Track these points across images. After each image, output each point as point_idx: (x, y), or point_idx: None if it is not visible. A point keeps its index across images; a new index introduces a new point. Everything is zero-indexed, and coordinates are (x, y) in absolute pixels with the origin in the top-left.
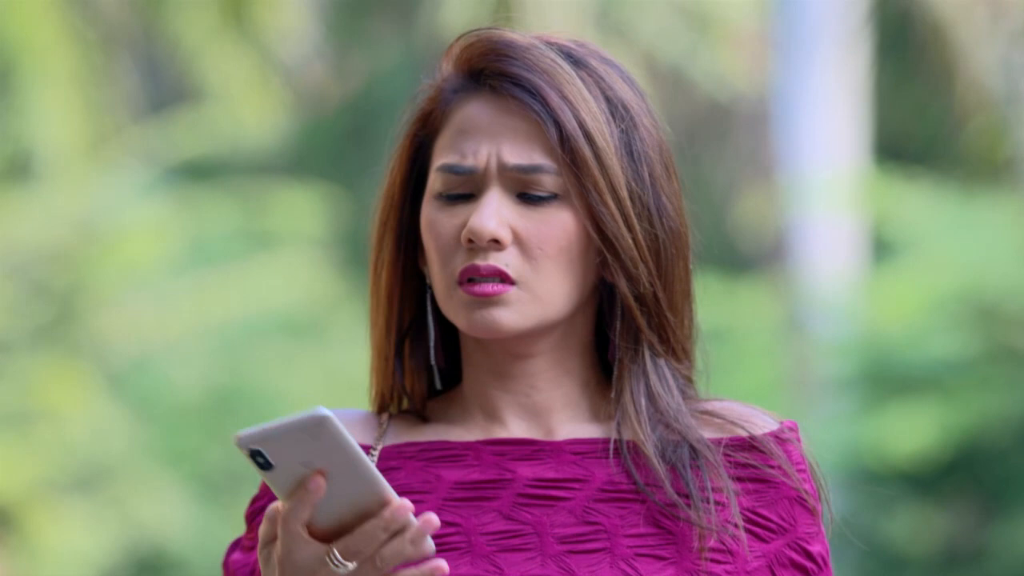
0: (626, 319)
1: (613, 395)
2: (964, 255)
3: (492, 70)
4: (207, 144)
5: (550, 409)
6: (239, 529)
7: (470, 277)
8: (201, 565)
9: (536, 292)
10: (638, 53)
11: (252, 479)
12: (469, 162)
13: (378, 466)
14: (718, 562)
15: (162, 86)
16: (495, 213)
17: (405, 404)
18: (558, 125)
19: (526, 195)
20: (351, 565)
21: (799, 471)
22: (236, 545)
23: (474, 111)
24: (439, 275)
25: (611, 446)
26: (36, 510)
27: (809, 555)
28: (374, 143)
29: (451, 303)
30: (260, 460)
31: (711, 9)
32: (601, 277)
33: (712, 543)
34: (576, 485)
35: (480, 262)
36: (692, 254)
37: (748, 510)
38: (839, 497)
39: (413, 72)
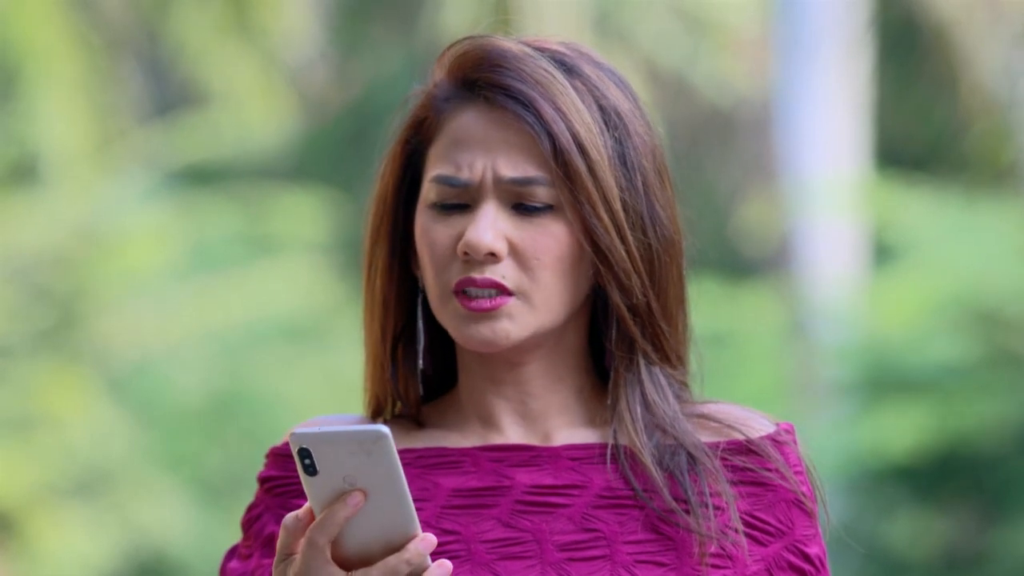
0: (620, 328)
1: (609, 402)
2: (965, 259)
3: (485, 80)
4: (209, 148)
5: (546, 415)
6: (239, 534)
7: (465, 289)
8: (202, 569)
9: (533, 302)
10: (638, 58)
11: (252, 484)
12: (464, 175)
13: None
14: (717, 567)
15: (166, 90)
16: (491, 226)
17: (399, 408)
18: (551, 137)
19: (521, 206)
20: None
21: (796, 473)
22: (233, 553)
23: (468, 122)
24: (434, 284)
25: (608, 452)
26: (37, 515)
27: (807, 557)
28: (376, 148)
29: (446, 313)
30: (307, 462)
31: (712, 13)
32: (595, 285)
33: (712, 548)
34: (575, 492)
35: (476, 275)
36: (686, 259)
37: (746, 514)
38: (840, 501)
39: (415, 77)
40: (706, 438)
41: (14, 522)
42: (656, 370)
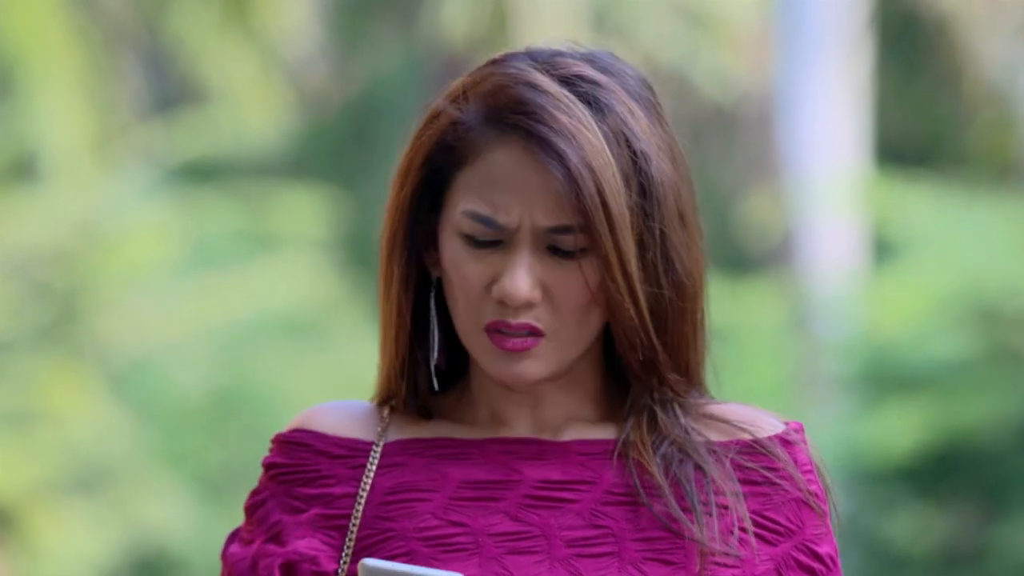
0: (633, 371)
1: (625, 408)
2: (966, 256)
3: (522, 125)
4: (210, 145)
5: (559, 416)
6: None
7: (499, 328)
8: (202, 566)
9: (562, 341)
10: (639, 55)
11: (253, 480)
12: (502, 219)
13: (381, 462)
14: (726, 566)
15: (166, 86)
16: (528, 275)
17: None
18: (579, 196)
19: (555, 248)
20: None
21: (805, 473)
22: (234, 536)
23: (503, 162)
24: (464, 315)
25: (616, 449)
26: (37, 511)
27: (817, 556)
28: (376, 145)
29: (475, 344)
30: None
31: (712, 10)
32: None
33: (720, 547)
34: (583, 487)
35: (512, 319)
36: (706, 292)
37: (755, 513)
38: (841, 497)
39: (415, 74)
40: (714, 438)
41: (14, 518)
42: (669, 396)
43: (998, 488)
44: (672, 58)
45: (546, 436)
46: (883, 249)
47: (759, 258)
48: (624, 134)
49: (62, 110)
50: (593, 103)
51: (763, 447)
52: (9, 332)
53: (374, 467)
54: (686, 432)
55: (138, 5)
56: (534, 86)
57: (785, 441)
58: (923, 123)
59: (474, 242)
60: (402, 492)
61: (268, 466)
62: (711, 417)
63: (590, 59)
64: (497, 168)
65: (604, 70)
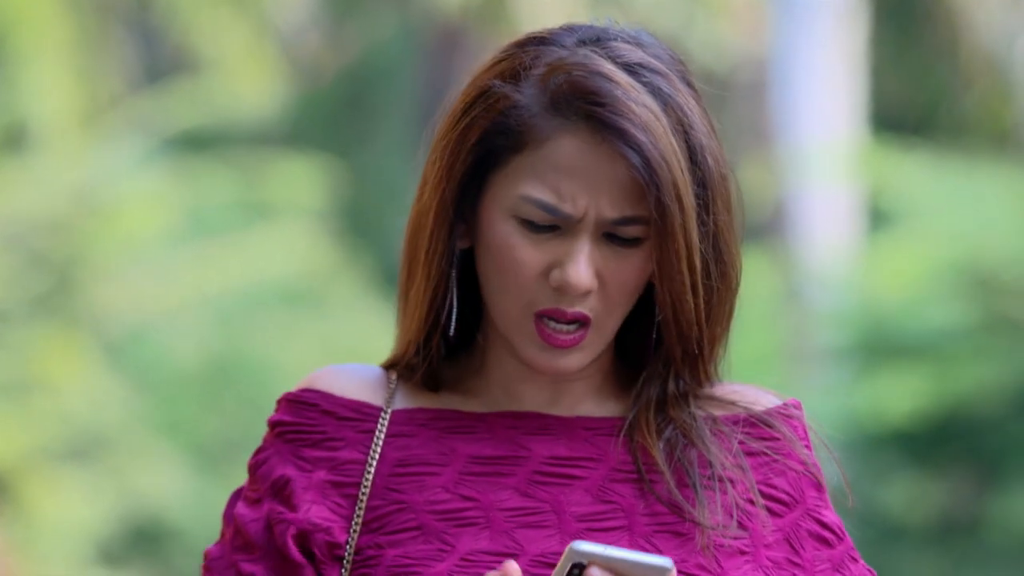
0: (661, 353)
1: (633, 394)
2: (961, 224)
3: (595, 115)
4: (204, 115)
5: (574, 395)
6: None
7: (548, 317)
8: (199, 535)
9: (606, 329)
10: (633, 23)
11: (249, 449)
12: (567, 208)
13: (388, 431)
14: (734, 538)
15: (158, 56)
16: (590, 265)
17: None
18: (657, 187)
19: (613, 236)
20: None
21: (805, 446)
22: (238, 495)
23: (570, 150)
24: (511, 302)
25: (624, 428)
26: (33, 480)
27: (825, 525)
28: (371, 113)
29: (518, 332)
30: (575, 573)
31: None
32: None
33: (723, 527)
34: (591, 464)
35: (567, 308)
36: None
37: (760, 483)
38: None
39: (409, 42)
40: (717, 414)
41: (10, 487)
42: (682, 384)
43: (994, 457)
44: (667, 26)
45: (555, 412)
46: (878, 218)
47: (753, 227)
48: (683, 124)
49: (54, 79)
50: (656, 93)
51: (763, 421)
52: (5, 302)
53: (383, 435)
54: (692, 417)
55: None
56: (605, 76)
57: (784, 415)
58: (919, 91)
59: (532, 226)
60: (412, 465)
61: (274, 424)
62: (713, 397)
63: (637, 42)
64: (563, 156)
65: (656, 56)
